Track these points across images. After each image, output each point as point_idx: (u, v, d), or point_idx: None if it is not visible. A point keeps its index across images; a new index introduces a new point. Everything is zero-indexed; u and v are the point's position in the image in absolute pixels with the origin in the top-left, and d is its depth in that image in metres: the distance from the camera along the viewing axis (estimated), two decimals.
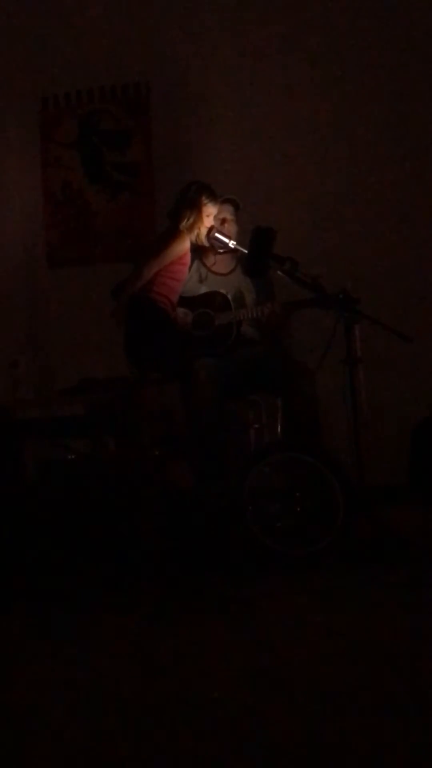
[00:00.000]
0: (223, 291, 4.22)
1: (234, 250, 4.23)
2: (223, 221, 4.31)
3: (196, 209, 4.19)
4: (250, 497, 3.68)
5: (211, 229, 4.24)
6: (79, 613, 3.26)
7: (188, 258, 4.26)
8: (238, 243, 4.16)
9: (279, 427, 4.13)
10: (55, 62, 5.53)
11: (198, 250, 4.35)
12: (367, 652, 2.64)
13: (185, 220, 4.20)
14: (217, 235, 4.21)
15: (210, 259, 4.38)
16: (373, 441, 3.75)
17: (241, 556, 3.69)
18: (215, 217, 4.28)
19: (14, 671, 2.71)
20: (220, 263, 4.37)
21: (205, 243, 4.27)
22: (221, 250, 4.31)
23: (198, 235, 4.22)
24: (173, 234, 4.23)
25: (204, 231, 4.23)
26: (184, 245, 4.22)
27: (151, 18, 5.41)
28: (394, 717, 2.12)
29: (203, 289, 4.29)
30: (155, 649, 2.81)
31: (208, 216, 4.22)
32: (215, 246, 4.29)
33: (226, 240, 4.19)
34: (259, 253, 3.87)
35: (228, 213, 4.34)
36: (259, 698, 2.32)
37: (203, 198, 4.20)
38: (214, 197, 4.23)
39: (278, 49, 5.26)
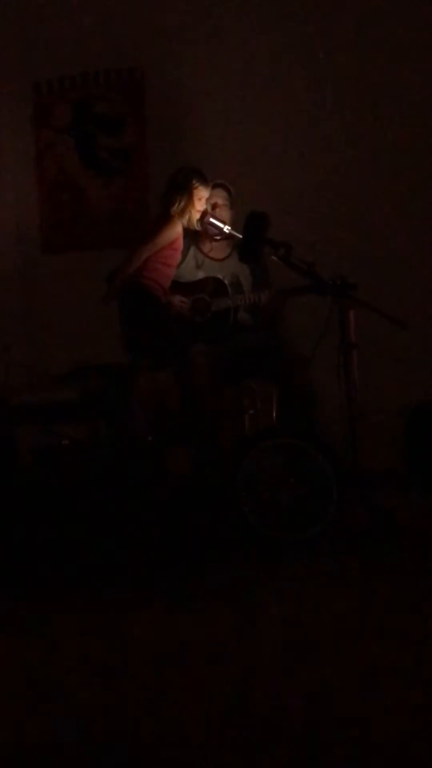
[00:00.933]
0: (220, 276, 4.22)
1: (229, 236, 4.21)
2: (215, 206, 4.29)
3: (187, 193, 4.17)
4: (245, 483, 3.68)
5: (205, 214, 4.23)
6: (73, 599, 3.26)
7: (180, 243, 4.24)
8: (234, 228, 4.14)
9: (274, 413, 4.13)
10: (49, 47, 5.49)
11: (194, 236, 4.33)
12: (360, 636, 2.64)
13: (176, 205, 4.17)
14: (212, 220, 4.20)
15: (206, 245, 4.37)
16: (367, 426, 3.75)
17: (235, 541, 3.69)
18: (207, 202, 4.26)
19: (11, 657, 2.72)
20: (216, 249, 4.36)
21: (197, 227, 4.25)
22: (217, 237, 4.29)
23: (190, 219, 4.20)
24: (164, 219, 4.21)
25: (196, 215, 4.21)
26: (176, 230, 4.20)
27: (146, 3, 5.37)
28: (393, 700, 2.13)
29: (200, 275, 4.29)
30: (150, 633, 2.82)
31: (199, 199, 4.20)
32: (210, 232, 4.27)
33: (221, 225, 4.18)
34: (253, 238, 3.87)
35: (220, 198, 4.32)
36: (256, 681, 2.33)
37: (194, 181, 4.17)
38: (204, 180, 4.21)
39: (275, 34, 5.23)
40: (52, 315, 5.40)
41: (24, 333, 5.34)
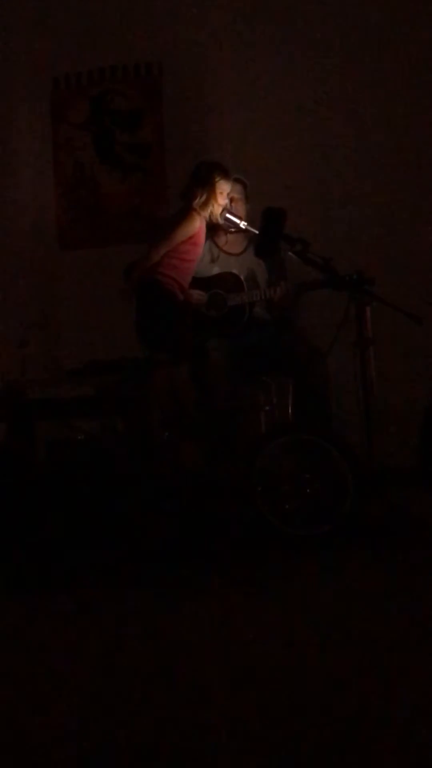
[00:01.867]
0: (235, 271, 4.22)
1: (245, 231, 4.21)
2: (232, 200, 4.30)
3: (209, 186, 4.18)
4: (260, 478, 3.68)
5: (223, 209, 4.23)
6: (86, 592, 3.27)
7: (201, 238, 4.23)
8: (250, 223, 4.14)
9: (290, 408, 4.13)
10: (67, 42, 5.49)
11: (210, 230, 4.33)
12: (373, 633, 2.63)
13: (198, 198, 4.18)
14: (228, 215, 4.20)
15: (222, 239, 4.37)
16: (383, 423, 3.73)
17: (250, 536, 3.69)
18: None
19: (24, 648, 2.73)
20: (232, 243, 4.36)
21: (220, 221, 4.25)
22: (232, 230, 4.29)
23: (212, 213, 4.20)
24: (185, 214, 4.22)
25: (218, 209, 4.21)
26: (195, 224, 4.20)
27: None
28: (396, 704, 2.12)
29: (216, 270, 4.29)
30: (162, 627, 2.82)
31: (221, 193, 4.21)
32: (226, 226, 4.27)
33: (237, 220, 4.18)
34: (269, 233, 3.86)
35: (236, 192, 4.34)
36: (263, 680, 2.33)
37: (215, 175, 4.19)
38: (226, 174, 4.22)
39: (291, 31, 5.21)
40: (68, 310, 5.41)
41: (41, 328, 5.35)
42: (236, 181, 4.33)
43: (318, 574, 3.32)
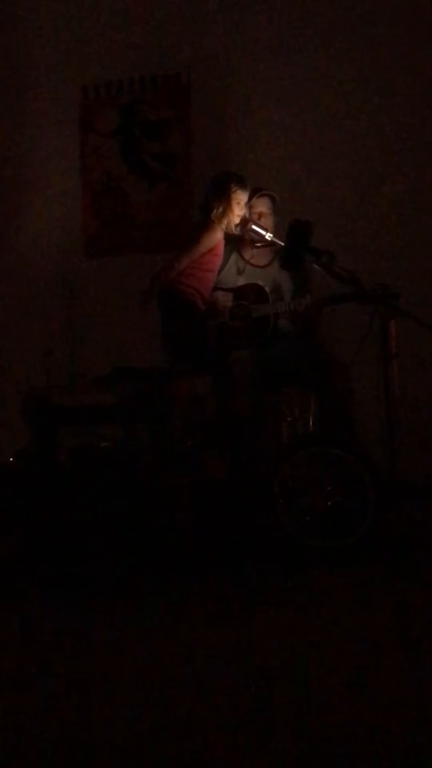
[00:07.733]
0: (261, 283, 4.23)
1: (271, 243, 4.23)
2: (260, 215, 4.31)
3: (226, 197, 4.19)
4: (282, 490, 3.68)
5: (247, 222, 4.25)
6: (107, 599, 3.29)
7: (220, 248, 4.26)
8: (276, 236, 4.15)
9: (312, 420, 4.13)
10: (96, 51, 5.54)
11: (236, 243, 4.35)
12: (390, 647, 2.64)
13: (216, 210, 4.20)
14: (254, 227, 4.21)
15: (248, 252, 4.38)
16: (406, 436, 3.73)
17: (270, 548, 3.69)
18: (252, 212, 4.29)
19: (42, 653, 2.75)
20: (258, 256, 4.37)
21: (236, 232, 4.27)
22: (258, 244, 4.31)
23: (228, 224, 4.22)
24: (205, 226, 4.25)
25: (235, 219, 4.23)
26: (216, 236, 4.23)
27: (193, 8, 5.39)
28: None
29: (241, 281, 4.30)
30: (183, 636, 2.83)
31: (238, 203, 4.22)
32: (252, 239, 4.29)
33: (263, 232, 4.19)
34: (295, 246, 3.87)
35: (264, 207, 4.34)
36: (281, 690, 2.34)
37: (232, 185, 4.20)
38: (242, 184, 4.23)
39: (320, 41, 5.22)
40: (93, 318, 5.44)
41: (66, 336, 5.39)
42: (265, 195, 4.34)
43: (336, 587, 3.32)
